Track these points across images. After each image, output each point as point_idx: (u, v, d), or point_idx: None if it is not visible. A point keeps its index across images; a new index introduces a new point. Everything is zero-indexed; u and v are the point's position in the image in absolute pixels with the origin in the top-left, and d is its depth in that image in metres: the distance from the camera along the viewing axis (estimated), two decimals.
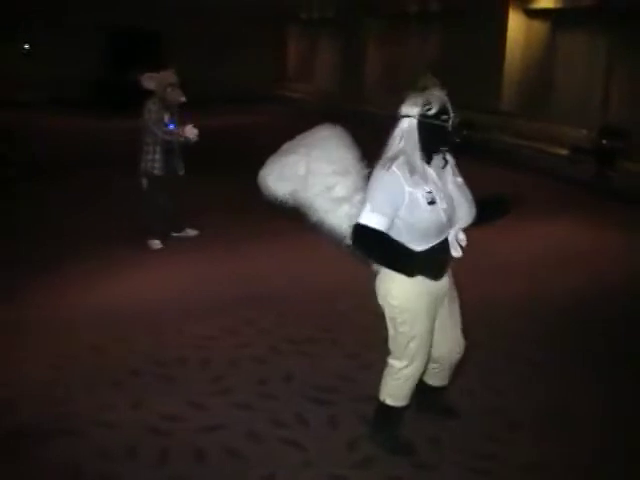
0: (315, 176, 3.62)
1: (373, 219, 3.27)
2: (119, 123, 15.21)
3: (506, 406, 4.38)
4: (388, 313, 3.59)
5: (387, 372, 3.73)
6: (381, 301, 3.60)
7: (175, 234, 7.76)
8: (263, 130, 16.93)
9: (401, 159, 3.31)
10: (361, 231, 3.32)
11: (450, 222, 3.40)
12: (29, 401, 4.35)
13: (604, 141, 11.10)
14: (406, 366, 3.62)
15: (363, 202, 3.36)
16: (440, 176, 3.44)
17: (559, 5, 13.47)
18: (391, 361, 3.69)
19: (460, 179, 3.52)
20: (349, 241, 3.49)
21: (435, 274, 3.45)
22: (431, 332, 3.61)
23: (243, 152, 13.03)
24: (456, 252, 3.47)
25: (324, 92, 21.29)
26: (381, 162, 3.38)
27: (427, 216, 3.31)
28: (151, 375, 4.69)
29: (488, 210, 3.62)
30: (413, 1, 17.48)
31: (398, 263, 3.38)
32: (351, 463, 3.75)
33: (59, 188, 10.24)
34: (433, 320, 3.60)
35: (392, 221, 3.31)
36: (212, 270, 6.83)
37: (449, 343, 3.78)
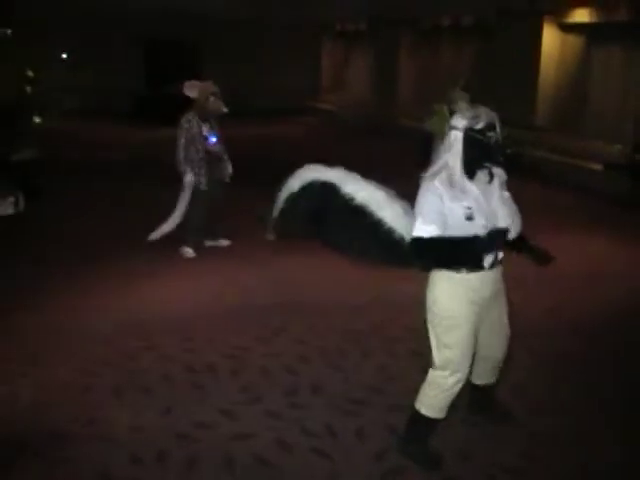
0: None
1: (426, 230, 3.35)
2: (157, 134, 15.44)
3: (539, 423, 4.34)
4: (432, 321, 3.63)
5: (427, 382, 3.74)
6: (427, 310, 3.65)
7: (209, 243, 7.81)
8: (297, 141, 17.08)
9: (443, 173, 3.41)
10: (418, 244, 3.40)
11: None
12: (61, 405, 4.41)
13: (638, 156, 10.98)
14: (447, 376, 3.62)
15: (415, 215, 3.43)
16: (485, 191, 3.47)
17: (594, 20, 13.36)
18: (433, 372, 3.70)
19: (507, 193, 3.59)
20: (410, 256, 3.51)
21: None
22: (473, 344, 3.64)
23: (278, 163, 13.11)
24: (487, 263, 3.52)
25: (358, 104, 21.32)
26: (427, 175, 3.48)
27: (464, 231, 3.38)
28: (182, 382, 4.73)
29: (519, 247, 3.78)
30: (447, 14, 17.46)
31: (462, 253, 3.43)
32: (379, 474, 3.75)
33: (93, 194, 10.38)
34: (476, 330, 3.63)
35: (444, 228, 3.37)
36: (244, 279, 6.86)
37: (498, 342, 3.85)
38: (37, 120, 17.22)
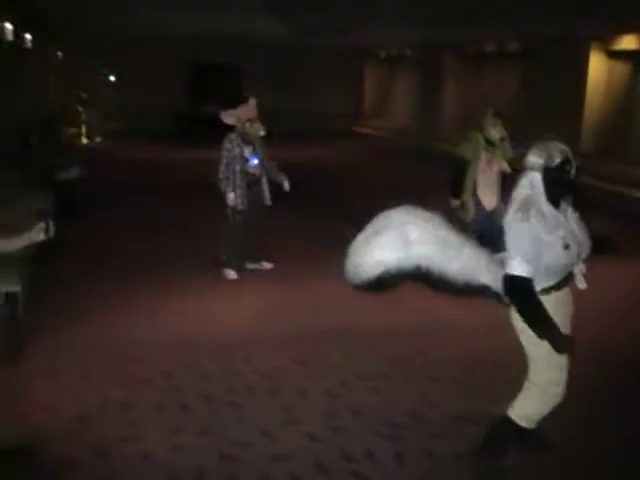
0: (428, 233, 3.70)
1: (523, 269, 3.44)
2: (201, 153, 15.61)
3: (589, 448, 4.25)
4: (531, 341, 3.63)
5: (529, 395, 3.79)
6: (519, 334, 3.70)
7: (251, 265, 7.85)
8: (341, 166, 17.13)
9: (534, 208, 3.48)
10: (514, 282, 3.48)
11: (578, 259, 3.67)
12: (102, 421, 4.45)
13: None
14: (552, 388, 3.72)
15: (509, 253, 3.51)
16: (566, 217, 3.62)
17: None
18: (537, 385, 3.75)
19: (577, 214, 3.72)
20: (502, 292, 3.60)
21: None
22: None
23: (321, 188, 13.18)
24: (582, 284, 3.78)
25: (401, 129, 21.35)
26: (513, 212, 3.54)
27: (564, 259, 3.54)
28: (221, 401, 4.74)
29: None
30: (491, 40, 17.44)
31: (538, 323, 3.51)
32: None
33: (137, 213, 10.54)
34: None
35: (538, 265, 3.47)
36: (283, 302, 6.87)
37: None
38: (85, 140, 17.55)
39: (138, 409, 4.61)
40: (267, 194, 7.64)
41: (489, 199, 7.60)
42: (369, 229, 3.75)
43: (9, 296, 5.64)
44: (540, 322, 3.49)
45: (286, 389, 4.95)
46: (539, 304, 3.50)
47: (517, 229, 3.50)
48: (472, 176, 7.65)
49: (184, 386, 4.95)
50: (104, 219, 10.10)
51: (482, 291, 3.69)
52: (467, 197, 7.65)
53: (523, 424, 3.82)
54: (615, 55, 13.93)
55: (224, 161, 7.38)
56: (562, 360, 3.67)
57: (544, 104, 14.39)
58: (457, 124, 19.14)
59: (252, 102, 7.52)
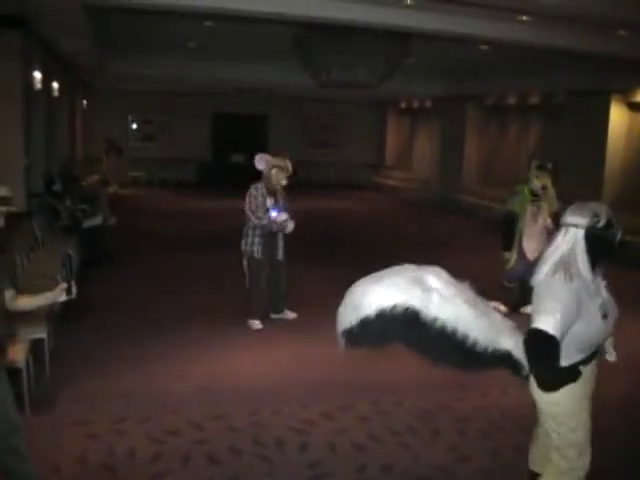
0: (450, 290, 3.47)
1: (552, 326, 3.14)
2: (226, 204, 15.79)
3: None
4: (555, 420, 3.47)
5: (554, 471, 3.57)
6: (546, 409, 3.49)
7: (274, 316, 7.88)
8: (362, 217, 17.21)
9: (574, 269, 3.28)
10: (540, 336, 3.16)
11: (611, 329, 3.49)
12: (130, 471, 4.44)
13: None
14: (577, 458, 3.49)
15: (542, 310, 3.22)
16: (599, 283, 3.44)
17: None
18: (559, 459, 3.52)
19: (605, 281, 3.52)
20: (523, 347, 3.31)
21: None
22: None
23: (345, 239, 13.25)
24: (612, 357, 3.69)
25: (422, 181, 21.48)
26: (552, 271, 3.33)
27: (601, 329, 3.36)
28: (249, 454, 4.72)
29: None
30: (513, 93, 17.61)
31: (554, 380, 3.37)
32: None
33: (161, 263, 10.61)
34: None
35: (566, 331, 3.23)
36: (309, 353, 6.86)
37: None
38: (111, 189, 17.79)
39: (166, 460, 4.59)
40: (281, 245, 7.72)
41: (532, 250, 7.70)
42: (375, 274, 3.53)
43: (36, 343, 5.69)
44: (552, 377, 3.34)
45: (314, 442, 4.92)
46: (558, 362, 3.26)
47: (557, 289, 3.25)
48: (520, 229, 7.83)
49: (212, 438, 4.93)
50: (132, 268, 10.19)
51: (503, 359, 3.44)
52: (514, 249, 7.86)
53: None
54: (636, 107, 14.02)
55: (252, 207, 7.47)
56: (588, 427, 3.51)
57: (566, 156, 14.45)
58: (479, 176, 19.27)
59: (286, 156, 7.65)
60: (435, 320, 3.30)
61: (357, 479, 4.43)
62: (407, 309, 3.28)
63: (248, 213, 7.49)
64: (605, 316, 3.32)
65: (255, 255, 7.51)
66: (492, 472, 4.52)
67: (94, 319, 7.64)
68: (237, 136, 22.48)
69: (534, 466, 3.90)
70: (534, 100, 17.01)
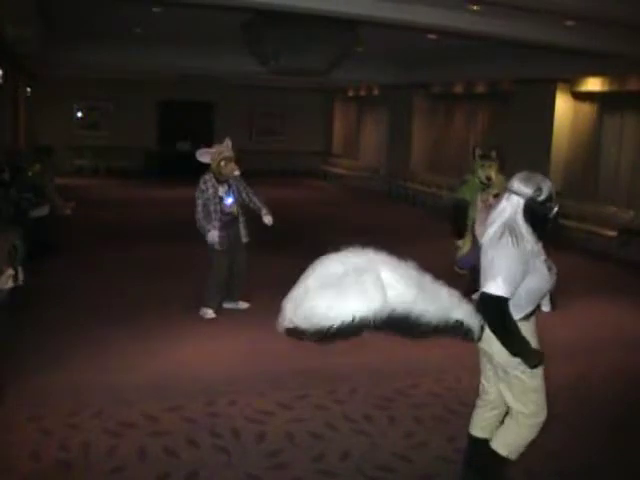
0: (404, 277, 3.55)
1: (504, 289, 3.44)
2: (174, 193, 15.64)
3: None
4: (514, 373, 3.67)
5: (516, 431, 3.81)
6: (504, 364, 3.68)
7: (227, 305, 7.83)
8: (312, 206, 17.21)
9: (520, 234, 3.53)
10: (492, 300, 3.49)
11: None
12: (85, 467, 4.37)
13: None
14: (538, 419, 3.77)
15: (491, 273, 3.51)
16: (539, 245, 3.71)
17: (606, 88, 13.60)
18: (524, 420, 3.77)
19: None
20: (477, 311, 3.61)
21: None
22: None
23: (293, 228, 13.23)
24: (547, 308, 3.93)
25: (371, 169, 21.55)
26: (498, 236, 3.57)
27: (548, 282, 3.65)
28: (206, 446, 4.68)
29: None
30: (460, 81, 17.78)
31: (513, 342, 3.53)
32: None
33: (108, 253, 10.45)
34: None
35: (518, 293, 3.53)
36: (263, 343, 6.81)
37: None
38: (52, 178, 17.37)
39: (122, 454, 4.53)
40: (244, 232, 7.66)
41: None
42: (323, 270, 3.55)
43: None
44: (517, 341, 3.52)
45: (272, 432, 4.92)
46: (514, 323, 3.53)
47: (506, 252, 3.49)
48: (472, 216, 7.91)
49: (168, 430, 4.89)
50: (82, 259, 10.01)
51: (455, 328, 3.60)
52: (467, 236, 7.94)
53: (513, 457, 3.86)
54: (581, 96, 14.28)
55: (200, 202, 7.41)
56: (543, 387, 3.75)
57: (512, 144, 14.67)
58: (428, 163, 19.43)
59: (228, 142, 7.57)
60: (393, 311, 3.44)
61: (315, 468, 4.44)
62: (370, 317, 3.38)
63: (199, 208, 7.42)
64: (550, 269, 3.65)
65: (219, 246, 7.45)
66: (449, 458, 4.57)
67: (42, 311, 7.50)
68: (184, 124, 22.25)
69: (475, 430, 4.08)
70: (481, 88, 17.21)
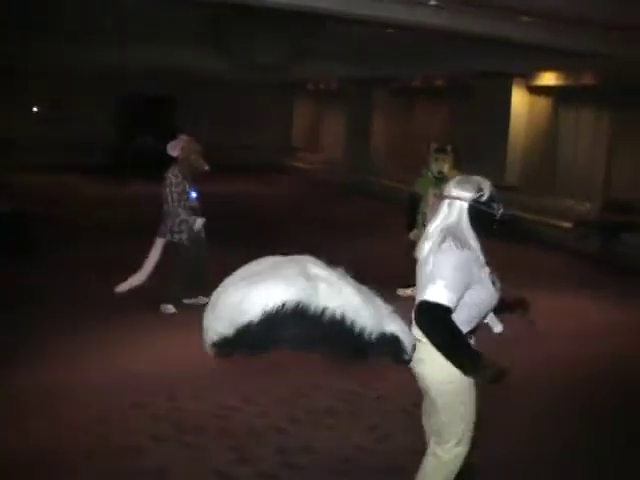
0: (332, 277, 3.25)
1: (445, 296, 3.11)
2: (136, 189, 15.48)
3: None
4: (445, 399, 3.39)
5: (433, 463, 3.52)
6: (436, 389, 3.39)
7: (187, 301, 7.79)
8: (273, 199, 17.19)
9: (464, 239, 3.28)
10: (432, 308, 3.13)
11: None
12: (51, 466, 4.34)
13: (607, 214, 11.27)
14: (456, 445, 3.44)
15: (432, 278, 3.17)
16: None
17: (561, 82, 13.83)
18: (449, 450, 3.46)
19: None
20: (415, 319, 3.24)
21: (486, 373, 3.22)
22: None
23: (254, 221, 13.21)
24: (498, 328, 3.63)
25: (331, 162, 21.60)
26: (441, 240, 3.28)
27: (491, 297, 3.35)
28: (172, 441, 4.69)
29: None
30: (419, 76, 17.90)
31: (462, 355, 3.22)
32: None
33: (69, 251, 10.31)
34: None
35: (459, 299, 3.20)
36: None
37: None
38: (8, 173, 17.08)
39: (89, 453, 4.50)
40: (199, 226, 7.64)
41: None
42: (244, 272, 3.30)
43: None
44: (463, 353, 3.20)
45: (236, 427, 4.94)
46: (461, 334, 3.20)
47: (448, 257, 3.20)
48: (422, 210, 7.94)
49: (134, 427, 4.88)
50: (43, 258, 9.84)
51: (390, 342, 3.24)
52: (419, 231, 7.93)
53: None
54: (536, 90, 14.50)
55: (175, 195, 7.38)
56: (473, 412, 3.46)
57: (470, 138, 14.84)
58: (388, 158, 19.53)
59: (192, 138, 7.55)
60: (325, 309, 3.09)
61: (279, 462, 4.47)
62: (298, 304, 3.04)
63: (173, 204, 7.37)
64: (494, 283, 3.36)
65: (185, 242, 7.45)
66: (414, 450, 4.61)
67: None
68: (144, 119, 21.99)
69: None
70: (440, 83, 17.35)
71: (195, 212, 7.55)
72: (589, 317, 8.03)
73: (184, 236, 7.46)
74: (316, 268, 3.21)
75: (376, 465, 4.47)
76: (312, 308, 3.06)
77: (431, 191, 7.94)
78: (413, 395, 5.45)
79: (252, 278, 3.16)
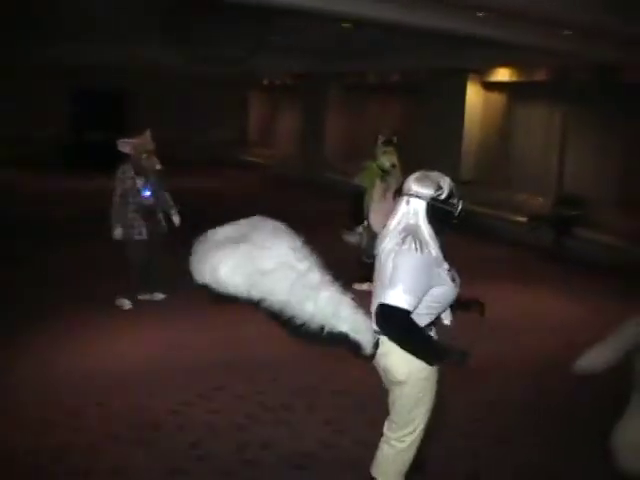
0: (284, 266, 3.43)
1: (405, 301, 3.16)
2: (89, 184, 15.22)
3: (487, 470, 4.43)
4: (406, 390, 3.45)
5: (388, 452, 3.62)
6: (398, 381, 3.44)
7: (143, 297, 7.71)
8: (227, 195, 17.06)
9: (421, 239, 3.28)
10: (392, 312, 3.17)
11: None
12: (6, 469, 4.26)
13: (559, 209, 11.43)
14: (410, 433, 3.52)
15: (392, 282, 3.21)
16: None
17: (514, 79, 13.98)
18: (394, 438, 3.58)
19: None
20: (374, 324, 3.33)
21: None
22: None
23: (208, 217, 13.11)
24: (447, 320, 3.59)
25: (286, 158, 21.57)
26: (399, 242, 3.31)
27: (452, 292, 3.40)
28: (128, 440, 4.64)
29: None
30: (374, 71, 17.94)
31: (426, 350, 3.33)
32: None
33: (20, 247, 10.13)
34: None
35: (418, 300, 3.25)
36: (181, 334, 6.79)
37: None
38: None
39: (42, 453, 4.43)
40: (163, 224, 7.59)
41: (379, 225, 7.79)
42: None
43: None
44: (429, 349, 3.32)
45: (193, 424, 4.90)
46: (422, 331, 3.30)
47: (408, 260, 3.22)
48: (367, 204, 7.92)
49: (89, 426, 4.81)
50: None
51: (340, 340, 3.39)
52: (365, 224, 7.95)
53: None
54: (491, 86, 14.64)
55: (118, 192, 7.30)
56: (431, 402, 3.53)
57: (425, 134, 14.94)
58: (342, 153, 19.55)
59: (147, 134, 7.45)
60: (264, 300, 3.37)
61: (238, 459, 4.45)
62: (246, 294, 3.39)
63: (116, 199, 7.29)
64: (454, 280, 3.39)
65: (135, 237, 7.35)
66: (372, 443, 4.62)
67: None
68: (96, 114, 21.66)
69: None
70: (394, 78, 17.41)
71: (150, 211, 7.44)
72: (541, 310, 8.14)
73: (133, 231, 7.36)
74: (270, 262, 3.40)
75: (335, 459, 4.47)
76: (254, 298, 3.38)
77: (378, 185, 7.94)
78: (369, 389, 5.50)
79: (219, 249, 3.54)
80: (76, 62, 18.33)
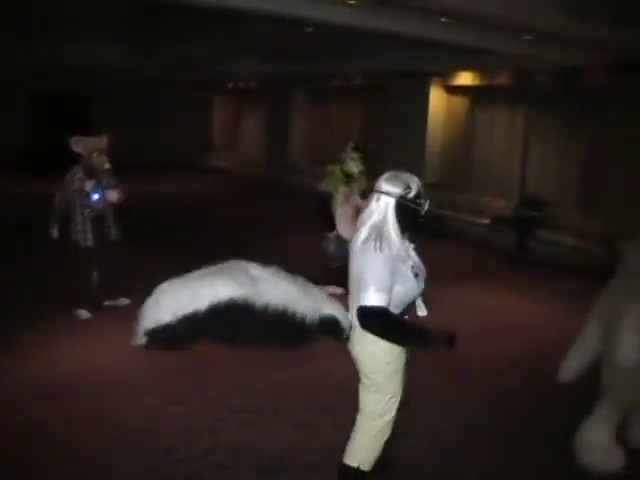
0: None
1: (379, 299, 3.38)
2: (43, 188, 14.97)
3: (451, 470, 4.47)
4: (377, 376, 3.67)
5: (360, 434, 3.83)
6: (365, 365, 3.68)
7: (107, 303, 7.64)
8: (192, 198, 17.00)
9: (387, 237, 3.47)
10: (370, 312, 3.41)
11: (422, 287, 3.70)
12: None
13: (522, 211, 11.57)
14: (387, 421, 3.75)
15: (363, 284, 3.41)
16: (408, 247, 3.65)
17: (476, 82, 14.13)
18: (373, 422, 3.77)
19: (413, 244, 3.74)
20: (358, 324, 3.52)
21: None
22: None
23: (172, 220, 13.06)
24: (422, 312, 3.78)
25: (250, 161, 21.53)
26: (364, 240, 3.51)
27: (415, 288, 3.60)
28: (98, 446, 4.61)
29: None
30: (338, 75, 17.99)
31: (413, 339, 3.55)
32: None
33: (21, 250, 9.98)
34: None
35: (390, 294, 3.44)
36: None
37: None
38: None
39: (5, 459, 4.39)
40: (113, 229, 7.47)
41: (345, 230, 7.83)
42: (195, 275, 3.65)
43: None
44: (415, 335, 3.50)
45: (164, 429, 4.89)
46: (403, 322, 3.58)
47: (371, 259, 3.43)
48: (333, 209, 7.94)
49: (54, 434, 4.77)
50: None
51: (327, 324, 3.61)
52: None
53: (365, 467, 3.85)
54: (453, 90, 14.78)
55: (60, 193, 7.19)
56: (400, 384, 3.75)
57: (389, 137, 15.03)
58: (308, 156, 19.57)
59: (104, 138, 7.37)
60: (268, 305, 3.48)
61: (210, 462, 4.45)
62: (245, 300, 3.46)
63: (56, 199, 7.20)
64: (416, 275, 3.57)
65: (84, 242, 7.23)
66: (343, 446, 4.64)
67: None
68: (60, 118, 21.40)
69: None
70: (358, 82, 17.47)
71: (100, 214, 7.31)
72: (504, 311, 8.23)
73: (82, 236, 7.26)
74: (255, 270, 3.60)
75: (306, 462, 4.49)
76: (257, 304, 3.45)
77: (341, 190, 7.97)
78: (339, 392, 5.54)
79: (200, 279, 3.56)
80: (42, 64, 18.10)
